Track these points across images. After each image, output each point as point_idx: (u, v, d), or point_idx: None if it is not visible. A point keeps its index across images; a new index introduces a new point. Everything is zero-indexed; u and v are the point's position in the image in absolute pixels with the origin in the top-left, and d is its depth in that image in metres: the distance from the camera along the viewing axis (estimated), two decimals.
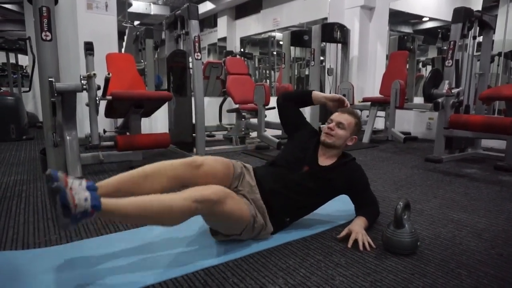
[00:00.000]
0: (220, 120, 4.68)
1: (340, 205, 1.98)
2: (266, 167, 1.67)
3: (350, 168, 1.67)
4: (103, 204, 1.08)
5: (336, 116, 1.67)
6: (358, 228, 1.51)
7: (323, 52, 5.72)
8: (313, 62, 4.94)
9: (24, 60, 6.72)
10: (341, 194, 1.68)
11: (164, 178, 1.33)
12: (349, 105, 1.72)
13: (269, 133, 3.85)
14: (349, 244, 1.45)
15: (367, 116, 4.76)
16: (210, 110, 4.54)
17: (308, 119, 1.77)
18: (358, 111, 5.47)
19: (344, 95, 4.64)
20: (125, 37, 5.66)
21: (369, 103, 4.68)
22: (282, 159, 1.66)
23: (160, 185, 1.32)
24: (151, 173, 1.32)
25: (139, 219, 1.22)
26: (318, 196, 1.63)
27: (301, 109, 1.84)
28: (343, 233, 1.53)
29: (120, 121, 3.61)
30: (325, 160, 1.65)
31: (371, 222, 1.63)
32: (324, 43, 5.45)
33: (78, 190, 1.07)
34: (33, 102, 5.69)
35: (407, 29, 5.89)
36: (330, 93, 5.59)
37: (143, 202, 1.17)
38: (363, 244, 1.44)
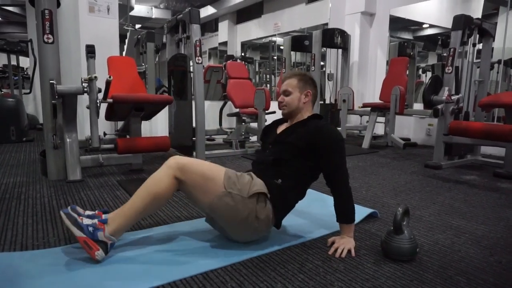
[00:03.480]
0: (220, 124, 4.69)
1: None
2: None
3: (310, 126, 1.55)
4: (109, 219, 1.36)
5: (280, 87, 1.66)
6: (343, 241, 1.49)
7: (323, 57, 5.75)
8: (313, 67, 4.97)
9: (25, 62, 6.73)
10: (315, 158, 1.52)
11: None
12: None
13: None
14: (330, 252, 1.46)
15: (367, 122, 4.77)
16: (211, 114, 4.56)
17: None
18: (358, 116, 5.49)
19: (344, 100, 4.69)
20: (127, 41, 5.68)
21: (369, 108, 4.69)
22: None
23: None
24: None
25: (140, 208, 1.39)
26: (292, 162, 1.52)
27: None
28: (332, 250, 1.48)
29: (120, 124, 3.61)
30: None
31: (351, 217, 1.51)
32: (325, 48, 5.47)
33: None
34: (33, 104, 5.70)
35: (407, 36, 5.92)
36: (330, 98, 5.62)
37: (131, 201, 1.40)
38: (341, 252, 1.44)
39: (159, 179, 1.39)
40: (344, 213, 1.52)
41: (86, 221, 1.30)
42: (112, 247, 1.35)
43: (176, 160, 1.42)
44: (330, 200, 2.17)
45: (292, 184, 1.52)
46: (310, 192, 2.31)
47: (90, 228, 1.28)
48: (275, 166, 1.52)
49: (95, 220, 1.32)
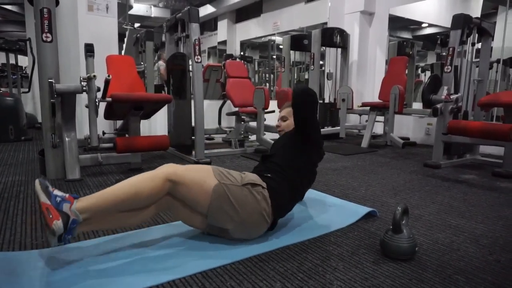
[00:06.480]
0: (220, 123, 4.68)
1: (338, 211, 1.98)
2: None
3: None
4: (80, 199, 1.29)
5: (279, 113, 1.98)
6: None
7: (322, 56, 5.74)
8: (312, 66, 4.97)
9: (23, 60, 6.72)
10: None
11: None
12: None
13: (268, 136, 3.86)
14: None
15: (366, 121, 4.77)
16: (210, 113, 4.55)
17: None
18: (357, 115, 5.50)
19: (343, 100, 4.69)
20: (125, 39, 5.67)
21: (368, 108, 4.69)
22: None
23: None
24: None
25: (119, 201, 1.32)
26: (278, 156, 1.73)
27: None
28: None
29: (119, 123, 3.61)
30: None
31: None
32: (324, 47, 5.47)
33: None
34: (32, 103, 5.69)
35: (406, 35, 5.93)
36: (329, 97, 5.62)
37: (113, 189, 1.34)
38: None
39: (149, 177, 1.37)
40: None
41: (57, 192, 1.28)
42: (74, 225, 1.22)
43: (170, 165, 1.44)
44: (330, 199, 2.19)
45: (280, 178, 1.59)
46: (309, 191, 2.31)
47: (58, 199, 1.25)
48: (264, 162, 1.72)
49: (67, 194, 1.29)
